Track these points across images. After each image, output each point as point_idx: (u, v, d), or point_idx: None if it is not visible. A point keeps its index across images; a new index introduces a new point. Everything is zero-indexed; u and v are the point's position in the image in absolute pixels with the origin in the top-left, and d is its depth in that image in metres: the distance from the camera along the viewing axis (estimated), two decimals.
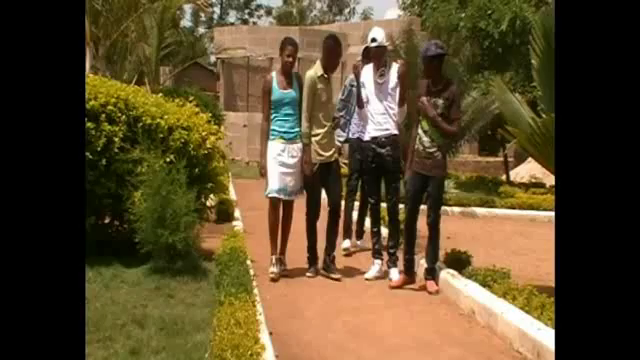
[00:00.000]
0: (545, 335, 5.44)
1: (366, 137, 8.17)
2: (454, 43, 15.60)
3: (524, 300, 6.21)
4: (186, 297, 6.64)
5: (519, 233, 11.71)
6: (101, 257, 7.65)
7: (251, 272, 7.30)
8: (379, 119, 8.09)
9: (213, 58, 31.34)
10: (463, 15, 21.10)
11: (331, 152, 8.17)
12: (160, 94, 9.72)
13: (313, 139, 8.04)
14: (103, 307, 6.15)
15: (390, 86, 8.12)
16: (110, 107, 7.84)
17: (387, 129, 8.09)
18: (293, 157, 7.99)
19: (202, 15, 45.95)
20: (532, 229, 12.19)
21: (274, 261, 7.99)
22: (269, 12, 52.10)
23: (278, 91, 7.97)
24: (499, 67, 18.97)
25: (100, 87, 8.10)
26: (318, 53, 27.92)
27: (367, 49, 8.57)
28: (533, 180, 18.16)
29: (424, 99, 7.60)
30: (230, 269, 7.05)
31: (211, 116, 9.93)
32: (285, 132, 7.98)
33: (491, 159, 23.93)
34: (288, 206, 8.20)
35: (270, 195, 7.96)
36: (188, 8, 31.49)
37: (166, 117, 8.29)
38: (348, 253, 9.49)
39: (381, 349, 5.78)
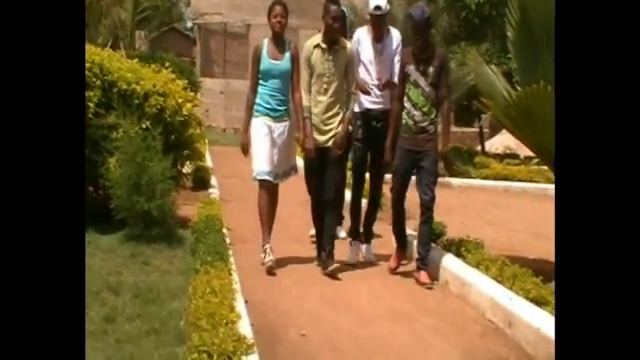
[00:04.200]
0: (516, 305, 5.53)
1: (357, 109, 7.35)
2: (431, 14, 15.60)
3: (497, 270, 6.25)
4: (161, 265, 6.68)
5: (493, 203, 11.82)
6: None
7: (227, 240, 7.31)
8: (375, 90, 7.39)
9: (190, 23, 31.22)
10: None
11: (326, 137, 7.06)
12: (136, 60, 9.68)
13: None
14: None
15: (388, 54, 7.46)
16: (85, 72, 7.73)
17: (383, 102, 7.43)
18: (280, 137, 7.14)
19: None
20: (506, 199, 12.35)
21: (268, 250, 7.04)
22: None
23: (267, 60, 7.08)
24: (476, 38, 18.94)
25: None
26: (296, 20, 27.78)
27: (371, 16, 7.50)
28: (507, 151, 18.30)
29: (412, 68, 6.91)
30: (206, 237, 7.05)
31: (187, 83, 9.93)
32: (272, 109, 7.10)
33: (467, 130, 24.04)
34: (273, 189, 7.27)
35: (259, 177, 7.09)
36: None
37: (142, 83, 8.32)
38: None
39: (356, 318, 5.81)
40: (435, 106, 7.00)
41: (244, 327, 4.87)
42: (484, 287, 6.05)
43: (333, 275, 6.90)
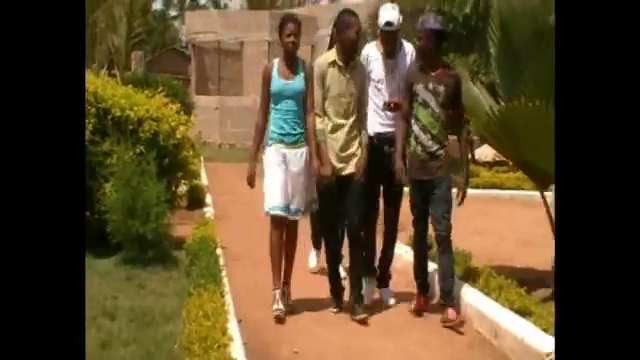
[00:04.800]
0: (502, 316, 5.60)
1: (368, 132, 6.38)
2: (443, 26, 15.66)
3: (483, 282, 6.34)
4: (157, 287, 6.66)
5: (482, 212, 11.83)
6: None
7: (221, 261, 7.28)
8: (387, 112, 6.51)
9: (185, 39, 31.28)
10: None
11: (346, 164, 6.18)
12: (130, 85, 9.75)
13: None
14: None
15: (401, 72, 6.48)
16: None
17: (396, 125, 6.48)
18: (297, 165, 6.18)
19: None
20: (495, 207, 12.33)
21: (277, 296, 6.15)
22: None
23: (278, 80, 6.17)
24: (463, 50, 19.02)
25: None
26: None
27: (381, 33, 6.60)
28: (497, 158, 18.32)
29: (420, 87, 6.07)
30: (200, 259, 7.04)
31: (181, 105, 9.98)
32: (286, 134, 6.17)
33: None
34: (292, 227, 6.34)
35: (272, 212, 6.14)
36: None
37: (135, 109, 8.34)
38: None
39: (347, 334, 5.81)
40: (445, 129, 6.18)
41: (236, 350, 4.89)
42: (471, 299, 6.12)
43: (363, 322, 6.07)
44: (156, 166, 7.84)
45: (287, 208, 6.12)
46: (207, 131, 21.82)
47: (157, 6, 26.37)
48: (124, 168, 7.56)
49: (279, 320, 6.01)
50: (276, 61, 6.33)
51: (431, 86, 6.04)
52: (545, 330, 5.39)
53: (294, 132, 6.18)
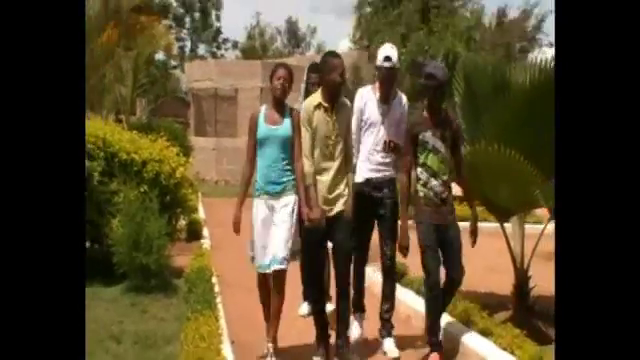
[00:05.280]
0: (467, 337, 5.73)
1: (358, 179, 5.86)
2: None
3: (451, 306, 6.30)
4: (158, 312, 6.66)
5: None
6: None
7: (216, 288, 7.26)
8: (378, 157, 5.97)
9: (185, 86, 31.37)
10: (404, 50, 21.44)
11: (333, 206, 5.56)
12: (135, 130, 9.82)
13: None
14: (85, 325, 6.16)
15: (395, 118, 6.01)
16: (90, 145, 7.90)
17: (386, 170, 6.01)
18: (284, 215, 5.55)
19: (174, 48, 45.81)
20: (463, 238, 12.31)
21: (271, 350, 5.55)
22: (235, 45, 51.85)
23: (264, 126, 5.56)
24: None
25: None
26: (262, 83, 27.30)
27: (378, 69, 6.03)
28: None
29: (428, 134, 5.60)
30: (197, 287, 7.02)
31: (180, 147, 10.05)
32: (271, 183, 5.55)
33: None
34: (279, 276, 5.51)
35: (260, 271, 5.60)
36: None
37: (140, 152, 8.39)
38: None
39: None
40: (451, 173, 5.76)
41: None
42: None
43: None
44: (158, 203, 7.88)
45: (275, 262, 5.43)
46: (205, 169, 21.88)
47: (159, 56, 26.51)
48: (129, 205, 7.59)
49: None
50: (263, 108, 5.75)
51: (439, 133, 5.60)
52: (504, 349, 5.47)
53: (280, 181, 5.55)
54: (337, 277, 5.61)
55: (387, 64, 5.88)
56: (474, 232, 5.88)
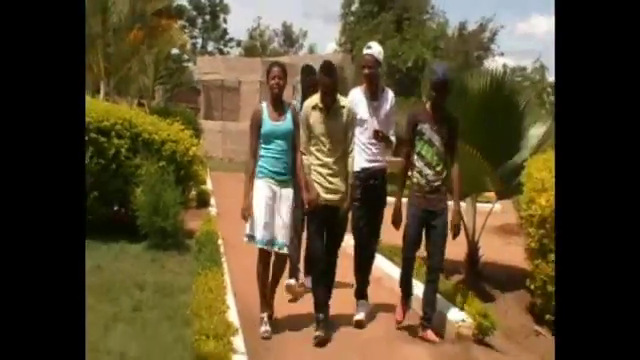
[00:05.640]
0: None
1: (355, 168, 5.41)
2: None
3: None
4: (174, 267, 6.67)
5: None
6: (112, 236, 7.64)
7: (221, 249, 7.27)
8: (372, 149, 5.63)
9: (196, 78, 31.22)
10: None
11: (331, 196, 5.21)
12: (155, 115, 9.81)
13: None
14: (112, 275, 6.19)
15: (384, 112, 5.65)
16: (118, 126, 7.90)
17: (380, 160, 5.68)
18: (286, 204, 5.24)
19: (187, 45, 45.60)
20: None
21: (265, 319, 5.27)
22: (239, 44, 51.58)
23: (269, 123, 5.20)
24: (407, 94, 19.33)
25: (110, 111, 8.17)
26: None
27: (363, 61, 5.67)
28: None
29: (426, 126, 5.27)
30: (205, 247, 7.04)
31: (192, 130, 10.05)
32: (277, 172, 5.19)
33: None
34: (282, 258, 5.33)
35: (258, 245, 5.19)
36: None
37: (159, 133, 8.36)
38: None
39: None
40: (445, 165, 5.38)
41: (232, 316, 4.96)
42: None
43: (320, 344, 5.15)
44: (174, 176, 7.87)
45: (272, 242, 5.17)
46: (212, 148, 21.79)
47: (175, 52, 26.39)
48: (150, 177, 7.60)
49: (266, 339, 5.14)
50: (264, 104, 5.35)
51: (437, 127, 5.25)
52: (457, 305, 5.61)
53: (284, 172, 5.21)
54: (331, 253, 5.35)
55: (367, 51, 5.55)
56: (455, 226, 5.38)
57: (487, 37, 35.46)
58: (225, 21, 50.16)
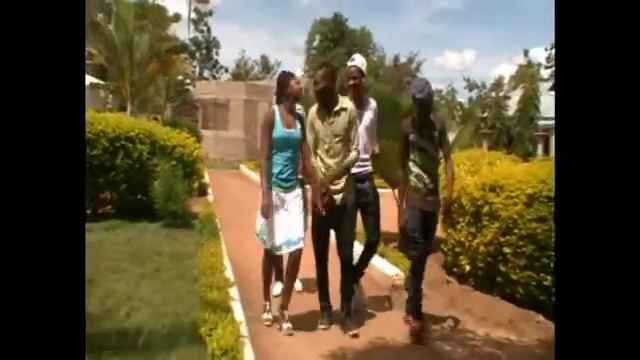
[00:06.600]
0: (396, 275, 5.32)
1: None
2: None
3: (389, 258, 5.91)
4: (183, 240, 6.64)
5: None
6: (136, 217, 7.64)
7: (219, 226, 7.31)
8: (361, 155, 4.50)
9: (195, 97, 30.99)
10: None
11: (335, 197, 4.20)
12: (167, 126, 9.85)
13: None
14: (139, 246, 6.19)
15: (367, 120, 4.74)
16: (141, 135, 7.93)
17: (366, 166, 4.70)
18: (294, 204, 4.17)
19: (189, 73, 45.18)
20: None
21: (268, 307, 4.35)
22: (227, 70, 51.28)
23: (281, 129, 4.11)
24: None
25: (135, 124, 8.20)
26: (258, 97, 27.54)
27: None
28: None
29: (416, 135, 4.35)
30: (206, 225, 7.10)
31: (195, 137, 10.12)
32: (284, 180, 4.14)
33: None
34: (297, 254, 4.13)
35: (276, 252, 4.20)
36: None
37: (171, 139, 8.38)
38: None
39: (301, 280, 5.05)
40: (437, 166, 4.55)
41: (229, 273, 5.03)
42: (380, 265, 5.69)
43: (356, 336, 4.13)
44: (182, 172, 7.90)
45: (288, 243, 4.09)
46: (208, 151, 21.76)
47: (180, 77, 26.26)
48: (164, 173, 7.61)
49: (269, 326, 4.25)
50: (275, 109, 4.20)
51: (426, 133, 4.36)
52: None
53: (291, 178, 4.19)
54: (342, 258, 4.34)
55: (351, 63, 4.69)
56: (447, 211, 4.92)
57: (414, 67, 36.04)
58: (217, 54, 49.86)
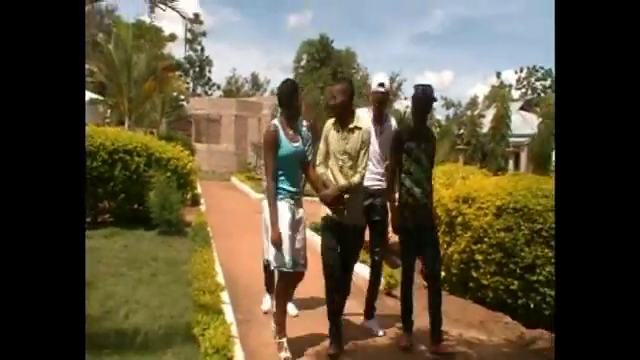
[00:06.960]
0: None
1: None
2: (316, 112, 16.22)
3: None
4: (177, 246, 6.63)
5: None
6: (134, 225, 7.62)
7: (210, 234, 7.31)
8: (373, 169, 4.16)
9: (189, 112, 30.96)
10: (322, 97, 21.88)
11: (346, 214, 3.71)
12: (162, 140, 9.86)
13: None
14: (136, 252, 6.19)
15: (388, 137, 4.22)
16: (138, 148, 7.92)
17: (381, 180, 4.24)
18: (300, 222, 3.73)
19: (183, 89, 45.15)
20: None
21: (285, 345, 3.64)
22: (219, 87, 51.34)
23: (287, 144, 3.64)
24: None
25: (132, 138, 8.21)
26: (248, 113, 27.64)
27: (374, 94, 4.28)
28: None
29: (414, 145, 3.97)
30: (199, 233, 7.11)
31: (188, 150, 10.14)
32: (295, 192, 3.71)
33: None
34: (297, 277, 3.75)
35: (288, 269, 3.55)
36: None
37: (166, 152, 8.37)
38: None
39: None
40: (429, 181, 4.07)
41: (220, 278, 5.05)
42: (363, 272, 5.26)
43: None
44: (176, 183, 7.90)
45: (299, 264, 3.65)
46: (201, 163, 21.74)
47: (174, 94, 26.26)
48: (160, 184, 7.59)
49: None
50: (277, 124, 3.69)
51: (423, 145, 3.99)
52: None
53: (299, 192, 3.78)
54: (344, 274, 3.88)
55: (381, 89, 4.27)
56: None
57: (396, 86, 36.43)
58: (210, 71, 49.83)
